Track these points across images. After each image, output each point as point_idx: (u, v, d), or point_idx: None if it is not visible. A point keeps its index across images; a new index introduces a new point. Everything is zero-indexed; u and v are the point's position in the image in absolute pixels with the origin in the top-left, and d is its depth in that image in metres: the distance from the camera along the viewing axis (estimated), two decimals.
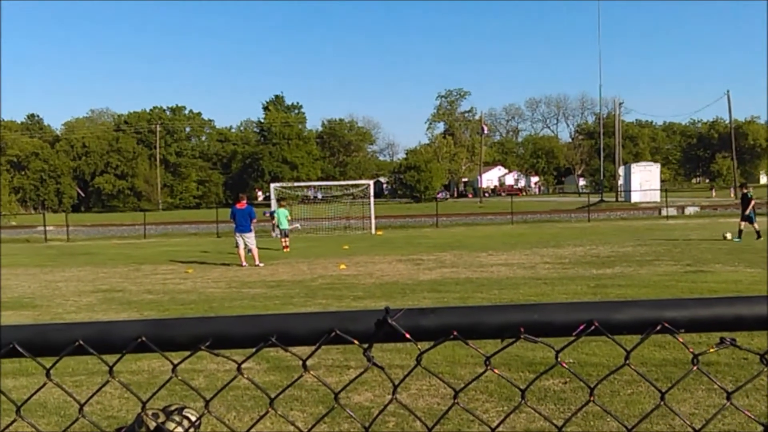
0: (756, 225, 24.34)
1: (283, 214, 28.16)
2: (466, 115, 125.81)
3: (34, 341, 1.11)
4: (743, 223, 24.46)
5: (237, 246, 21.12)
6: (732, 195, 70.93)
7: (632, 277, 15.20)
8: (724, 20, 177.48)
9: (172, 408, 5.81)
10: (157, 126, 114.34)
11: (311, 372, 1.16)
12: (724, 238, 24.56)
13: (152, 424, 5.52)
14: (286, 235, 27.51)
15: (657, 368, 7.26)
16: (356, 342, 1.11)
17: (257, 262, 20.56)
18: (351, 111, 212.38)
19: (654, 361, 7.49)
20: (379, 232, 37.16)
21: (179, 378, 1.19)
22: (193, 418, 5.71)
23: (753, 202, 24.64)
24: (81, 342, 1.10)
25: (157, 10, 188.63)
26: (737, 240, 23.79)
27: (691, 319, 1.11)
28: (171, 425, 5.47)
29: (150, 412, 5.54)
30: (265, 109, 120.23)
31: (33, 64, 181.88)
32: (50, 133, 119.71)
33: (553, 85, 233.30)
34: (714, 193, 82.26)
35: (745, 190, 25.57)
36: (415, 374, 7.04)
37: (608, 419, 5.66)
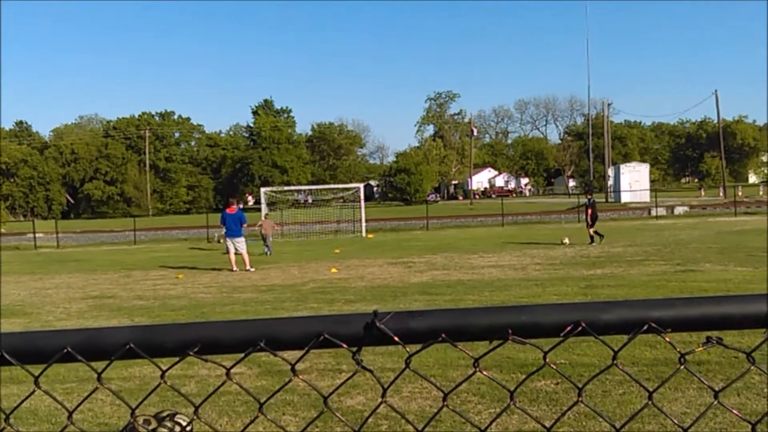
0: (591, 230, 25.33)
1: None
2: (456, 117, 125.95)
3: (23, 349, 1.11)
4: (591, 229, 25.38)
5: (227, 251, 21.10)
6: (721, 194, 71.27)
7: (622, 277, 15.25)
8: (711, 20, 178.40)
9: (164, 414, 5.81)
10: (146, 131, 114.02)
11: (300, 376, 1.16)
12: (562, 243, 25.41)
13: (143, 431, 5.51)
14: None
15: (648, 368, 7.28)
16: (345, 345, 1.11)
17: (248, 267, 20.52)
18: (340, 114, 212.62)
19: (645, 361, 7.51)
20: (370, 235, 37.17)
21: (168, 384, 1.19)
22: (185, 424, 5.72)
23: (590, 210, 25.59)
24: (69, 349, 1.10)
25: (143, 15, 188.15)
26: (600, 240, 24.76)
27: (678, 319, 1.12)
28: (162, 431, 5.47)
29: (141, 419, 5.54)
30: (254, 113, 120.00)
31: (20, 71, 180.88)
32: (39, 139, 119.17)
33: (541, 87, 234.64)
34: (703, 193, 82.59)
35: (589, 196, 26.86)
36: (407, 377, 7.04)
37: (600, 419, 5.68)
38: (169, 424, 5.69)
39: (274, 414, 6.33)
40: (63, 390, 7.40)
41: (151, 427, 5.75)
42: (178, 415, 5.86)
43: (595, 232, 25.11)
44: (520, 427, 5.71)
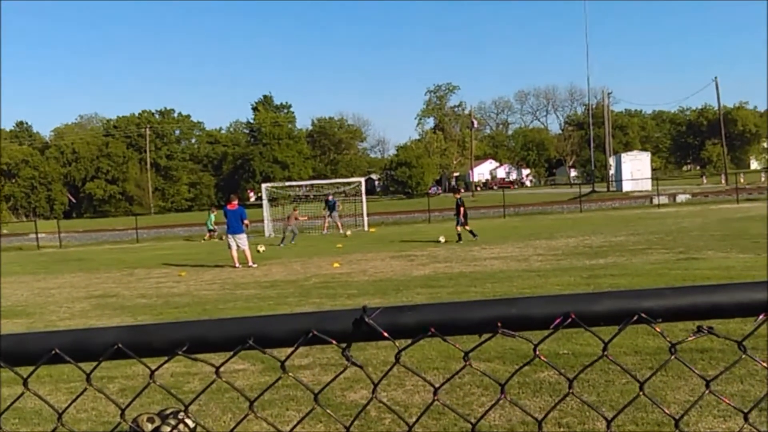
0: (467, 227, 25.80)
1: (211, 218, 38.51)
2: (456, 109, 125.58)
3: (11, 351, 1.11)
4: (459, 228, 25.79)
5: (229, 247, 21.09)
6: (723, 181, 71.16)
7: (625, 266, 15.23)
8: (709, 6, 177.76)
9: (168, 412, 5.81)
10: (147, 130, 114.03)
11: (290, 373, 1.15)
12: (438, 241, 25.76)
13: (148, 428, 5.52)
14: (210, 231, 38.05)
15: (650, 356, 7.27)
16: (334, 342, 1.10)
17: (250, 263, 20.53)
18: (340, 109, 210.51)
19: (647, 350, 7.50)
20: (372, 230, 37.19)
21: (158, 384, 1.19)
22: (190, 423, 5.72)
23: (462, 209, 25.91)
24: (57, 350, 1.10)
25: (140, 13, 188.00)
26: (459, 242, 25.07)
27: (669, 309, 1.11)
28: (166, 429, 5.47)
29: (145, 417, 5.54)
30: (254, 109, 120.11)
31: (20, 72, 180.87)
32: (39, 140, 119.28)
33: (541, 77, 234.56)
34: (705, 180, 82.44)
35: (458, 195, 27.19)
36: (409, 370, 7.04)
37: (605, 409, 5.68)
38: (172, 422, 5.68)
39: (278, 410, 6.33)
40: (67, 390, 7.41)
41: (155, 425, 5.75)
42: (180, 413, 5.85)
43: (460, 233, 25.58)
44: (524, 418, 5.71)
